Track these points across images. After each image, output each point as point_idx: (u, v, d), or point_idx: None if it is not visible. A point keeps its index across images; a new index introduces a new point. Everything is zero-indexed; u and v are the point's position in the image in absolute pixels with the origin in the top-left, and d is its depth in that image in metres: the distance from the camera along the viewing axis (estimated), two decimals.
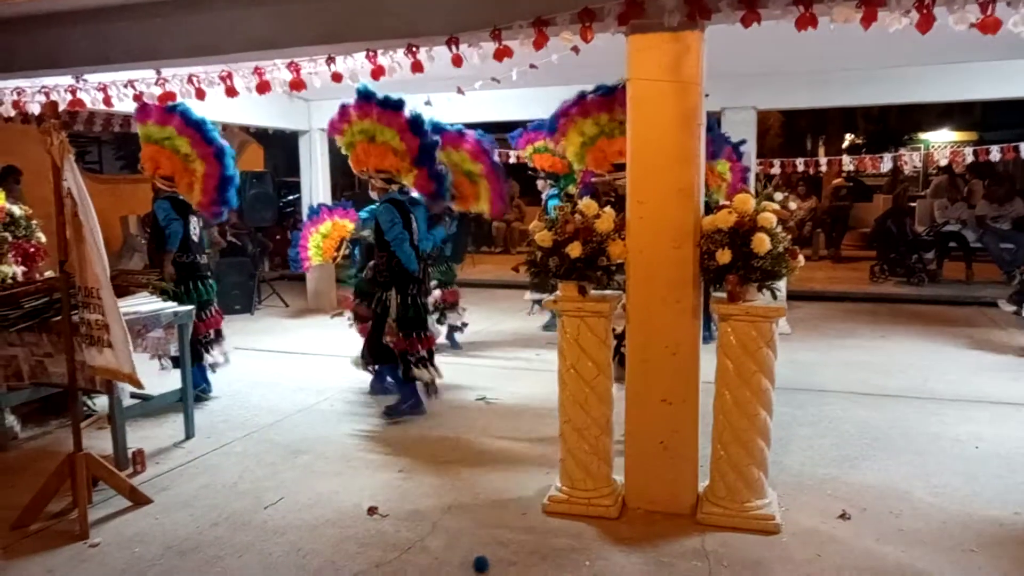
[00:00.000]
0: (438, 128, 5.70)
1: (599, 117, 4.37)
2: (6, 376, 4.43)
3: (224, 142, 5.59)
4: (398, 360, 5.19)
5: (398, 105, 5.02)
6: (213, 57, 4.47)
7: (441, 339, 7.28)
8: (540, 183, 8.07)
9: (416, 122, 5.05)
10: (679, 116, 3.49)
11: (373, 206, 5.68)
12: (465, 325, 7.50)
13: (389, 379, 5.59)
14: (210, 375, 5.85)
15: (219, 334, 5.89)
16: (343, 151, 5.23)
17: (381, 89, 5.35)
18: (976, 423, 4.98)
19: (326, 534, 3.63)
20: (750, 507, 3.60)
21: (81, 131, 8.85)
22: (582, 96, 4.55)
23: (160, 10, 4.39)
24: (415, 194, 5.43)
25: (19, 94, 5.29)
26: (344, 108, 5.11)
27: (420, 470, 4.39)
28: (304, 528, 3.70)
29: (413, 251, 5.09)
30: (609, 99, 4.34)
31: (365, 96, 5.00)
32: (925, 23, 3.15)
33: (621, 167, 4.38)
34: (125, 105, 5.08)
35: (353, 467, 4.46)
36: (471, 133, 6.29)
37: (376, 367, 5.54)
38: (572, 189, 7.79)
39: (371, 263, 5.43)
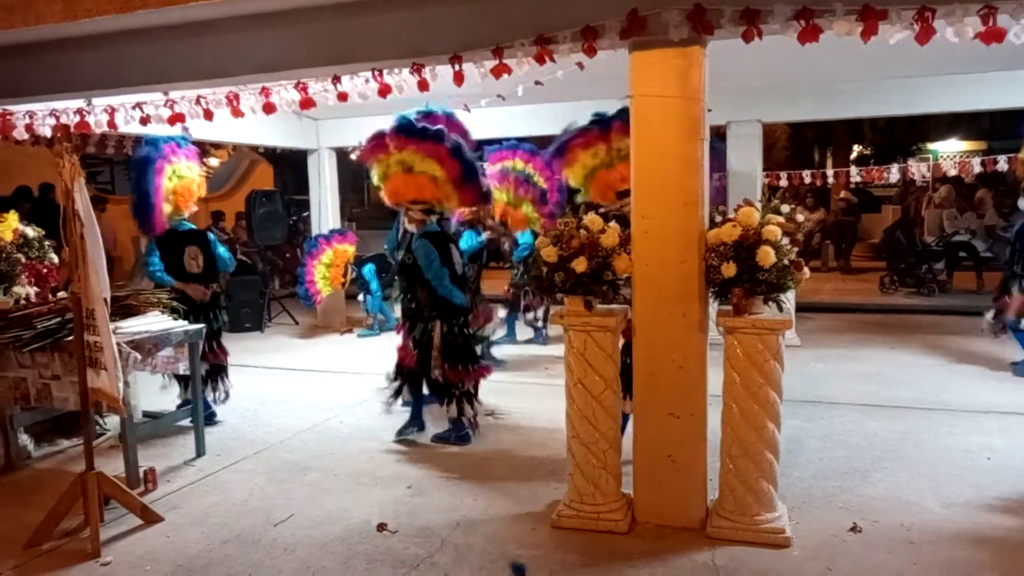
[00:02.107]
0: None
1: (597, 149, 4.44)
2: (15, 398, 4.48)
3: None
4: (446, 394, 5.05)
5: (438, 135, 4.88)
6: (221, 80, 4.53)
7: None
8: None
9: (456, 148, 4.91)
10: (682, 131, 3.52)
11: (393, 234, 5.72)
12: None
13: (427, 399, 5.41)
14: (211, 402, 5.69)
15: (217, 371, 5.68)
16: (376, 182, 5.08)
17: (388, 106, 5.41)
18: (987, 434, 4.94)
19: (335, 551, 3.64)
20: (760, 520, 3.59)
21: (93, 152, 8.95)
22: (585, 129, 4.64)
23: (169, 34, 4.47)
24: None
25: (31, 117, 5.37)
26: (380, 136, 4.96)
27: (429, 486, 4.40)
28: (314, 545, 3.71)
29: (455, 285, 4.96)
30: (605, 131, 4.41)
31: (404, 128, 4.87)
32: (925, 35, 3.17)
33: (625, 194, 4.38)
34: (132, 127, 5.14)
35: (362, 484, 4.47)
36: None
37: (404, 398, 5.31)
38: None
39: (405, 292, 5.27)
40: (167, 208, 5.44)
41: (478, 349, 5.49)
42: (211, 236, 5.77)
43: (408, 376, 5.18)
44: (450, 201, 5.03)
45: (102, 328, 3.68)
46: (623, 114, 4.42)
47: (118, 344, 4.14)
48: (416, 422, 5.32)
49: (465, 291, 5.11)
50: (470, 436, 5.16)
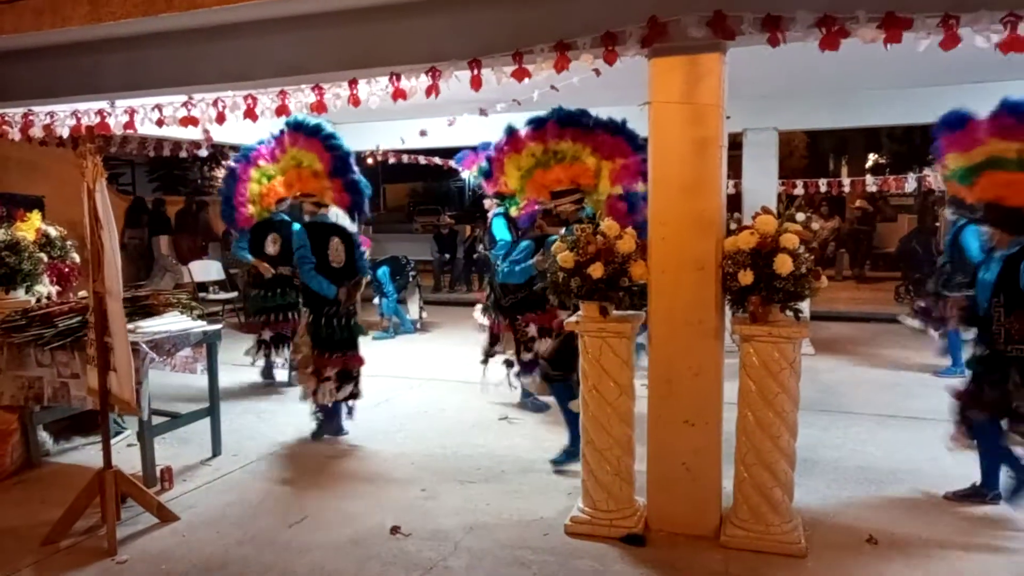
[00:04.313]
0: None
1: (533, 148, 4.51)
2: (27, 397, 4.52)
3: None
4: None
5: (315, 129, 5.35)
6: (243, 83, 4.57)
7: None
8: (487, 203, 8.26)
9: (329, 139, 5.34)
10: (700, 138, 3.52)
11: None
12: None
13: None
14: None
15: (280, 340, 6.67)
16: (278, 176, 5.69)
17: (404, 111, 5.44)
18: None
19: (349, 553, 3.65)
20: (774, 530, 3.57)
21: (115, 153, 9.06)
22: (511, 132, 4.68)
23: (192, 37, 4.51)
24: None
25: (51, 117, 5.44)
26: (280, 136, 5.48)
27: (442, 489, 4.41)
28: (328, 547, 3.72)
29: (321, 276, 5.20)
30: (540, 131, 4.48)
31: (294, 126, 5.39)
32: (950, 42, 3.15)
33: (559, 194, 4.54)
34: (149, 129, 5.21)
35: (377, 486, 4.49)
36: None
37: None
38: (515, 211, 7.94)
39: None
40: (253, 209, 6.45)
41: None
42: (295, 227, 6.20)
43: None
44: (327, 194, 5.39)
45: (116, 329, 3.71)
46: (556, 114, 4.53)
47: (136, 343, 4.19)
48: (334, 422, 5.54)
49: (341, 284, 5.31)
50: (343, 428, 5.43)
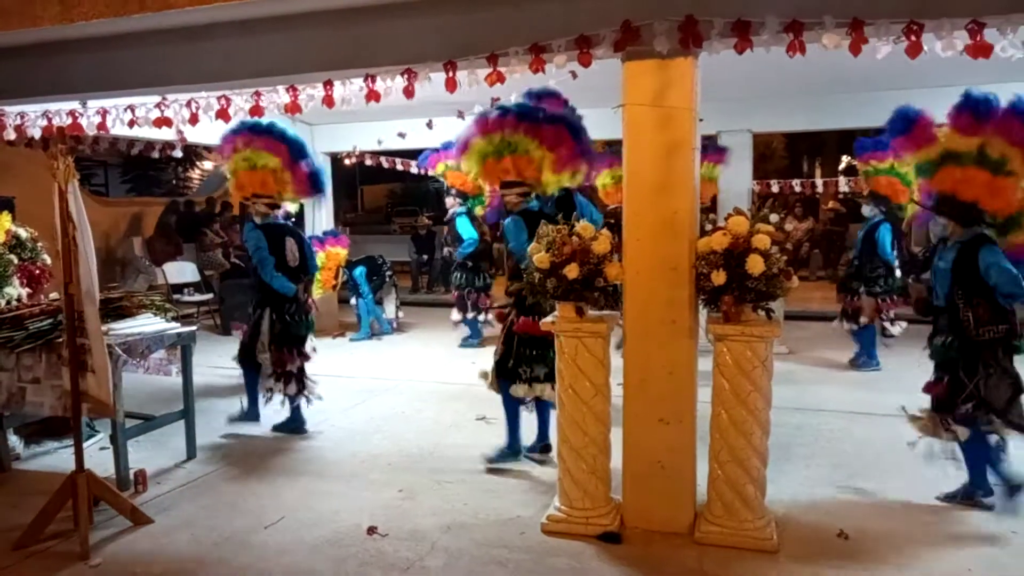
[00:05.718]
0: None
1: (492, 137, 4.59)
2: None
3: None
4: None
5: (266, 128, 5.30)
6: (217, 84, 4.55)
7: None
8: (449, 200, 8.42)
9: (277, 130, 5.33)
10: (674, 140, 3.56)
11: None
12: None
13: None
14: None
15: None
16: (228, 177, 5.56)
17: (381, 112, 5.45)
18: None
19: (326, 554, 3.65)
20: (748, 525, 3.62)
21: (87, 154, 8.93)
22: (483, 116, 4.76)
23: (165, 38, 4.48)
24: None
25: (22, 118, 5.37)
26: (230, 137, 5.38)
27: (419, 490, 4.41)
28: (304, 548, 3.72)
29: (280, 274, 5.30)
30: (503, 120, 4.56)
31: (245, 127, 5.29)
32: (914, 50, 3.22)
33: (507, 184, 4.63)
34: (121, 130, 5.17)
35: (353, 487, 4.48)
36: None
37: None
38: (480, 210, 8.08)
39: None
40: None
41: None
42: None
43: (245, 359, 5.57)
44: (287, 188, 5.41)
45: (92, 331, 3.69)
46: (516, 108, 4.61)
47: (109, 346, 4.15)
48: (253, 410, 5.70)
49: (298, 281, 5.45)
50: (304, 425, 5.53)
